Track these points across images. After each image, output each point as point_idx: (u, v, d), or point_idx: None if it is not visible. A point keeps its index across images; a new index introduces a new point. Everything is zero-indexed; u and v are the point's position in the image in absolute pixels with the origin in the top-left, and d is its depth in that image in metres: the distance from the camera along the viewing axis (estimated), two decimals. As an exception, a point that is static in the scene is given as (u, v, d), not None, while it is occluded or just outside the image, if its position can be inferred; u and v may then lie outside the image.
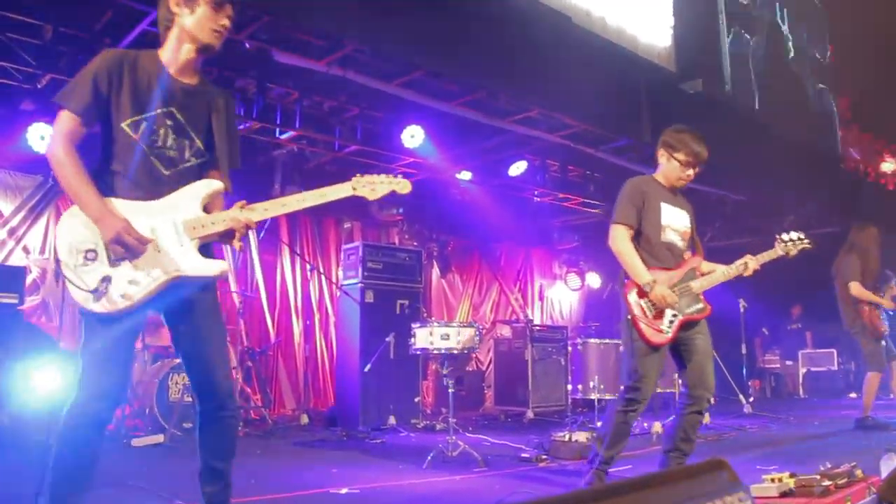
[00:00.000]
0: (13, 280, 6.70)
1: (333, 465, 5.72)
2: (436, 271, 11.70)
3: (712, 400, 4.40)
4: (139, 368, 7.33)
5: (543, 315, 13.43)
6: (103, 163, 2.81)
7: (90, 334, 2.69)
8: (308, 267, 10.06)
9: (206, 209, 2.88)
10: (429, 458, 5.60)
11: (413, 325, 6.34)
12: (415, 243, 10.92)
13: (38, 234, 8.19)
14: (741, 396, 8.82)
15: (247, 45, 6.62)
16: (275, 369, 9.63)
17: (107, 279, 2.64)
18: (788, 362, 13.14)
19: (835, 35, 12.58)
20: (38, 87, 6.99)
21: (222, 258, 2.96)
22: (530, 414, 8.81)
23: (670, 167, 4.44)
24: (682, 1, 9.16)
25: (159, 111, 2.81)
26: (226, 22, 2.87)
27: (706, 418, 7.74)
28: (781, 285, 12.68)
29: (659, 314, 4.20)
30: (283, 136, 8.44)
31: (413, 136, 8.46)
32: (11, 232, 8.06)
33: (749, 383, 12.33)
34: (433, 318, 6.46)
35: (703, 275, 4.42)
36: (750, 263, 4.49)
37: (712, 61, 9.42)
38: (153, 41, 6.60)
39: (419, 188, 10.44)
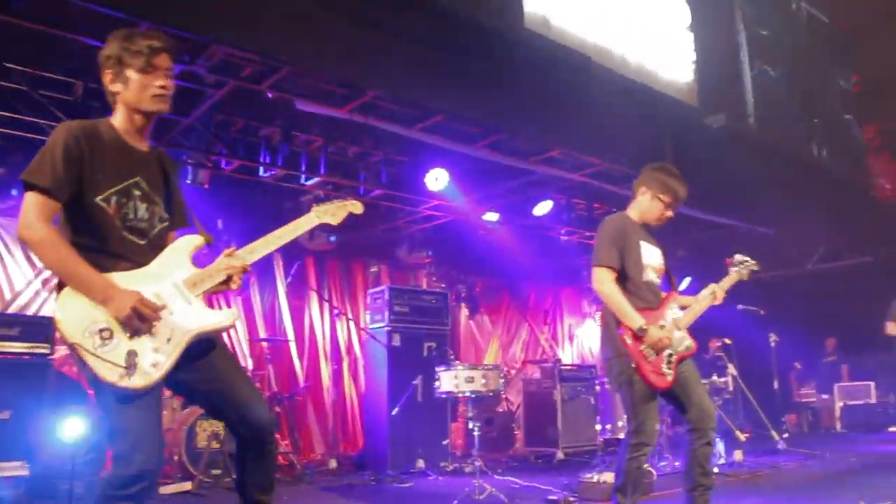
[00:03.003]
0: (44, 330, 6.81)
1: (361, 511, 5.71)
2: (464, 312, 11.70)
3: (715, 427, 4.34)
4: (168, 416, 7.38)
5: (574, 354, 13.35)
6: (72, 238, 2.69)
7: (121, 411, 2.55)
8: (335, 312, 10.11)
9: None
10: (455, 502, 5.56)
11: (438, 369, 6.35)
12: (443, 285, 10.93)
13: (70, 285, 8.32)
14: (773, 432, 8.65)
15: (269, 95, 6.73)
16: (304, 414, 9.64)
17: (132, 353, 2.55)
18: (824, 396, 12.86)
19: (860, 63, 12.50)
20: (69, 141, 7.16)
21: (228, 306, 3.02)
22: (560, 455, 8.71)
23: (652, 206, 4.38)
24: (704, 36, 9.19)
25: (128, 182, 2.78)
26: (163, 82, 2.80)
27: (739, 455, 7.62)
28: (815, 318, 12.54)
29: (658, 356, 4.15)
30: (309, 183, 8.54)
31: (437, 179, 8.52)
32: (45, 282, 8.21)
33: (784, 418, 12.15)
34: (458, 361, 6.45)
35: (682, 310, 4.41)
36: (718, 293, 4.48)
37: (736, 95, 9.41)
38: (180, 93, 6.80)
39: (445, 230, 10.60)
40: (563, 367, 9.32)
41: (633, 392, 4.15)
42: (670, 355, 4.20)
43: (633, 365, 4.11)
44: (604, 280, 4.21)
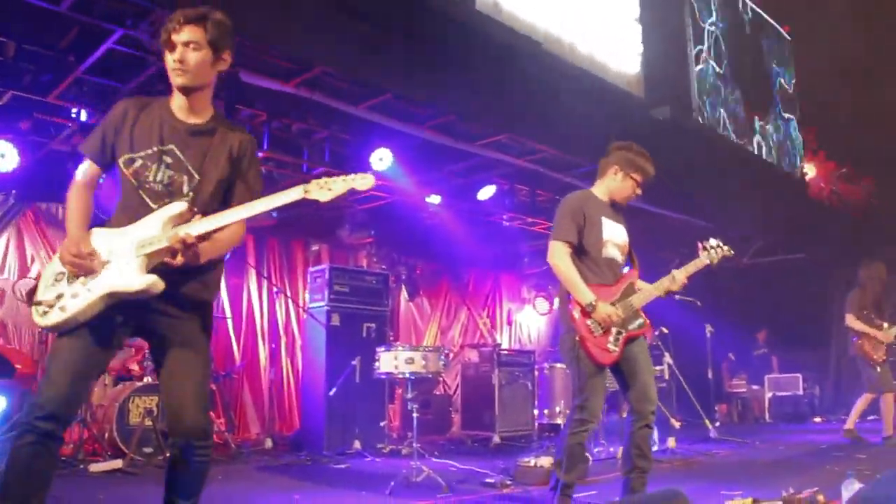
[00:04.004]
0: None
1: (296, 491, 5.64)
2: (404, 295, 11.65)
3: (655, 412, 4.38)
4: (99, 392, 7.20)
5: (512, 339, 13.40)
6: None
7: (51, 351, 2.82)
8: (275, 290, 9.98)
9: None
10: (392, 483, 5.53)
11: (378, 350, 6.29)
12: (383, 266, 10.87)
13: (-3, 254, 8.05)
14: (706, 421, 8.83)
15: (214, 66, 6.56)
16: (240, 393, 9.50)
17: (60, 296, 2.77)
18: (755, 387, 13.20)
19: (801, 64, 12.76)
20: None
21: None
22: (497, 439, 8.74)
23: (624, 185, 4.45)
24: (652, 29, 9.25)
25: (155, 149, 2.92)
26: (177, 56, 2.89)
27: (672, 443, 7.75)
28: (748, 311, 12.83)
29: (605, 332, 4.19)
30: (252, 158, 8.37)
31: (381, 160, 8.41)
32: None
33: (716, 408, 12.41)
34: (398, 342, 6.42)
35: (639, 290, 4.42)
36: (677, 276, 4.41)
37: (681, 88, 9.51)
38: (120, 60, 6.58)
39: (388, 211, 10.51)
40: (501, 352, 9.34)
41: (580, 368, 4.18)
42: (618, 332, 4.23)
43: (576, 338, 4.15)
44: (558, 254, 4.25)
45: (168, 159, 2.91)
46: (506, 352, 9.62)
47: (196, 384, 2.89)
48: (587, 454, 6.43)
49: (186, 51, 2.88)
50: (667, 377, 8.56)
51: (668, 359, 8.47)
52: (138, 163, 2.90)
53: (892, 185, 12.96)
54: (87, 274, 2.77)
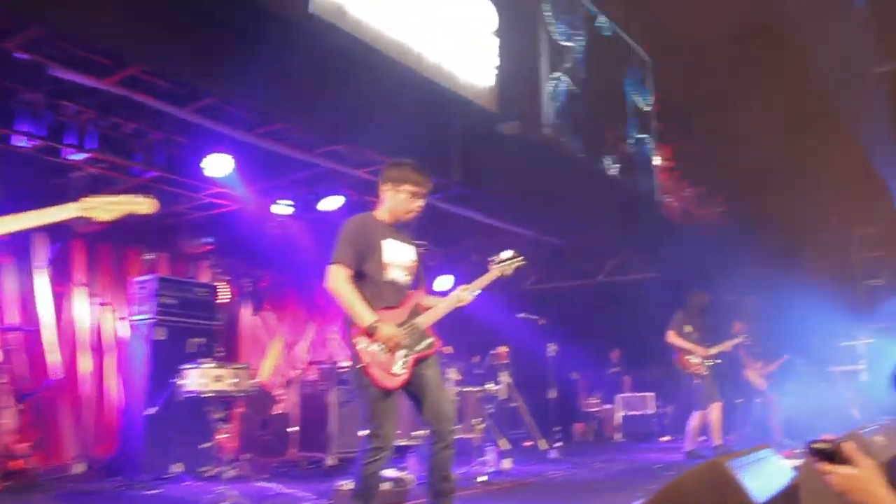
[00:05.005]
0: None
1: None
2: (248, 308, 11.16)
3: (455, 431, 4.25)
4: None
5: (364, 357, 13.00)
6: None
7: None
8: (97, 301, 9.31)
9: None
10: (192, 513, 5.14)
11: (182, 367, 5.88)
12: (228, 278, 10.35)
13: None
14: (540, 441, 8.75)
15: (16, 56, 6.01)
16: (56, 413, 8.70)
17: None
18: (607, 406, 13.29)
19: (659, 84, 12.92)
20: None
21: None
22: (330, 460, 8.33)
23: (398, 201, 4.40)
24: (508, 42, 9.09)
25: None
26: None
27: (507, 464, 7.61)
28: (602, 329, 12.92)
29: (390, 356, 4.02)
30: (78, 158, 7.80)
31: (217, 165, 7.96)
32: None
33: (556, 428, 12.41)
34: (209, 359, 6.04)
35: (426, 310, 4.36)
36: (463, 295, 4.42)
37: (533, 103, 9.40)
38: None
39: (231, 219, 9.99)
40: (340, 370, 8.95)
41: (367, 395, 4.02)
42: (406, 354, 4.08)
43: (359, 366, 3.98)
44: (336, 277, 4.10)
45: None
46: (345, 370, 9.26)
47: None
48: (409, 477, 6.22)
49: None
50: (504, 397, 8.41)
51: (505, 377, 8.31)
52: None
53: (743, 205, 13.35)
54: None
